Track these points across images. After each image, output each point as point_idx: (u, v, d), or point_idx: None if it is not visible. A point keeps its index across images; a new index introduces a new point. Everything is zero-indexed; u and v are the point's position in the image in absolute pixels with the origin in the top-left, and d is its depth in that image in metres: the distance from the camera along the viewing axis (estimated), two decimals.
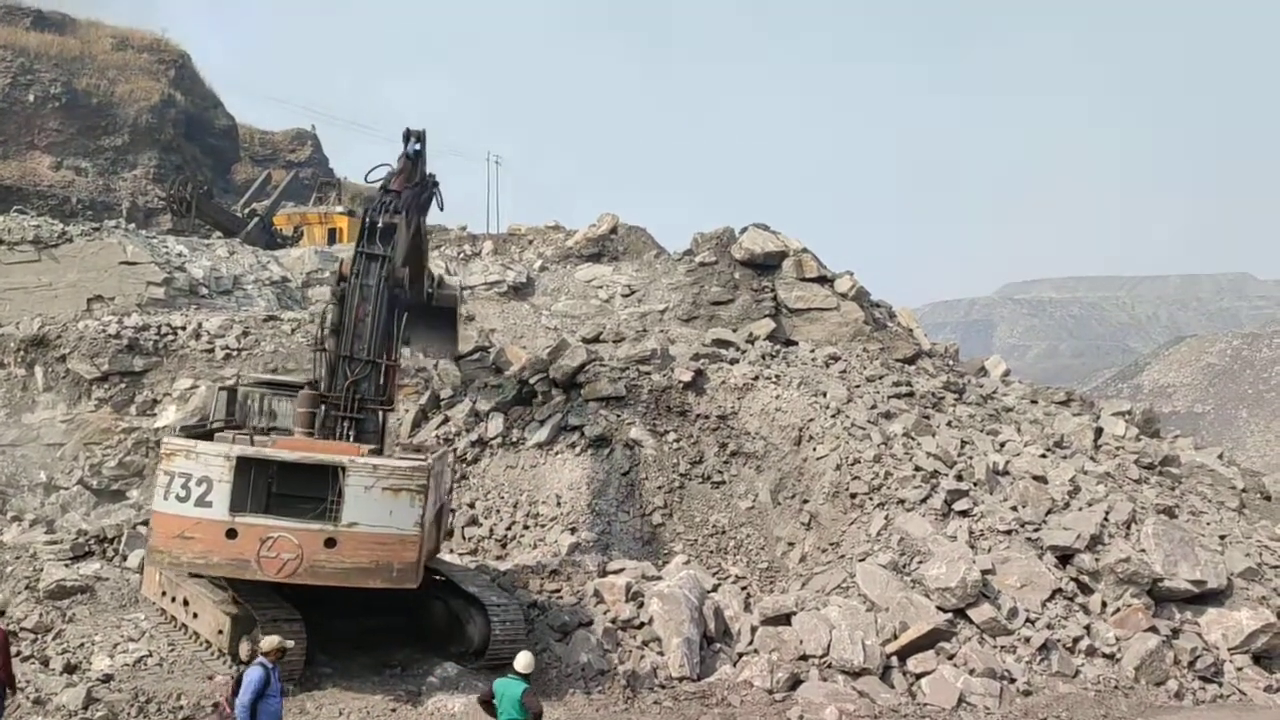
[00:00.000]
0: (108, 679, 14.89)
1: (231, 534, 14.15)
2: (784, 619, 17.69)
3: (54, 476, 23.92)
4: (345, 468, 14.29)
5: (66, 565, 19.63)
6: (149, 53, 55.02)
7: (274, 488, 14.32)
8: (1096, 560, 18.71)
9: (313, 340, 20.25)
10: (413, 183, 19.04)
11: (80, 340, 25.24)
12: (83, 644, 16.40)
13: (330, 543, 14.13)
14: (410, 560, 14.24)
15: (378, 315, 16.33)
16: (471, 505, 22.29)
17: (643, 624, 17.49)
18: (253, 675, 11.58)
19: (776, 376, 24.48)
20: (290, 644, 13.44)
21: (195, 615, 16.19)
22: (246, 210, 44.71)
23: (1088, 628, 17.86)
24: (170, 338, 26.10)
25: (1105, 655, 17.47)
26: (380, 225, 16.76)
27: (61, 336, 25.30)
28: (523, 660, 12.55)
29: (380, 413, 16.44)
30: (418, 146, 19.37)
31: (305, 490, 14.28)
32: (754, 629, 17.71)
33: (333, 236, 44.48)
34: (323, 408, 15.98)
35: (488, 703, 12.45)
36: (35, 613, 17.71)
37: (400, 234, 17.16)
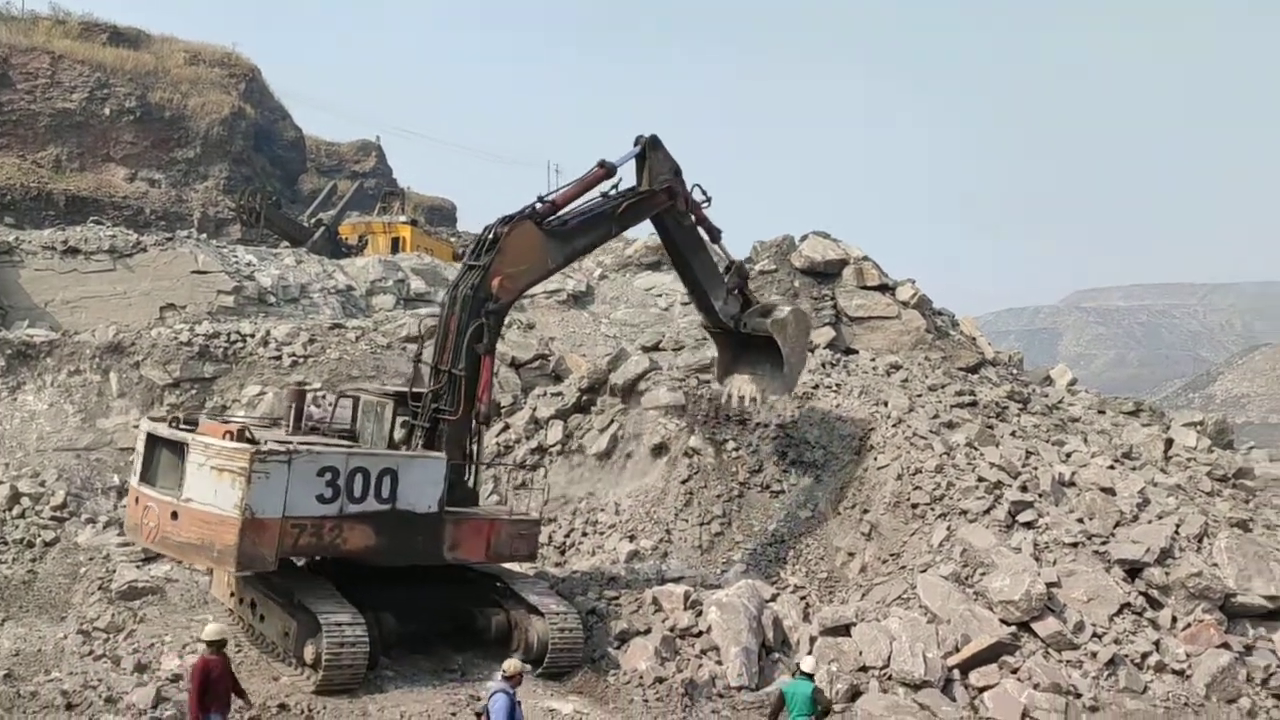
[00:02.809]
0: (176, 679, 15.10)
1: (136, 501, 16.10)
2: (843, 630, 17.61)
3: (127, 480, 24.36)
4: (188, 445, 15.08)
5: (138, 567, 19.95)
6: (220, 67, 56.05)
7: (159, 462, 15.73)
8: (1166, 574, 18.35)
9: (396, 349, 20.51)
10: (632, 190, 19.44)
11: (153, 347, 25.68)
12: (153, 644, 16.68)
13: (174, 515, 15.05)
14: (229, 543, 14.35)
15: (460, 326, 16.93)
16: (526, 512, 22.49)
17: (701, 633, 17.45)
18: (499, 704, 11.93)
19: (837, 385, 24.39)
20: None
21: (262, 618, 16.51)
22: (313, 220, 45.26)
23: (1157, 643, 17.49)
24: (239, 345, 26.51)
25: (1175, 671, 17.11)
26: (489, 237, 17.48)
27: (135, 343, 25.72)
28: (809, 661, 14.03)
29: (460, 423, 16.88)
30: (637, 151, 19.57)
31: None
32: (813, 639, 17.64)
33: (396, 246, 44.85)
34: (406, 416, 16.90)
35: (777, 712, 13.43)
36: (108, 613, 18.00)
37: (564, 246, 18.22)
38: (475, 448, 17.47)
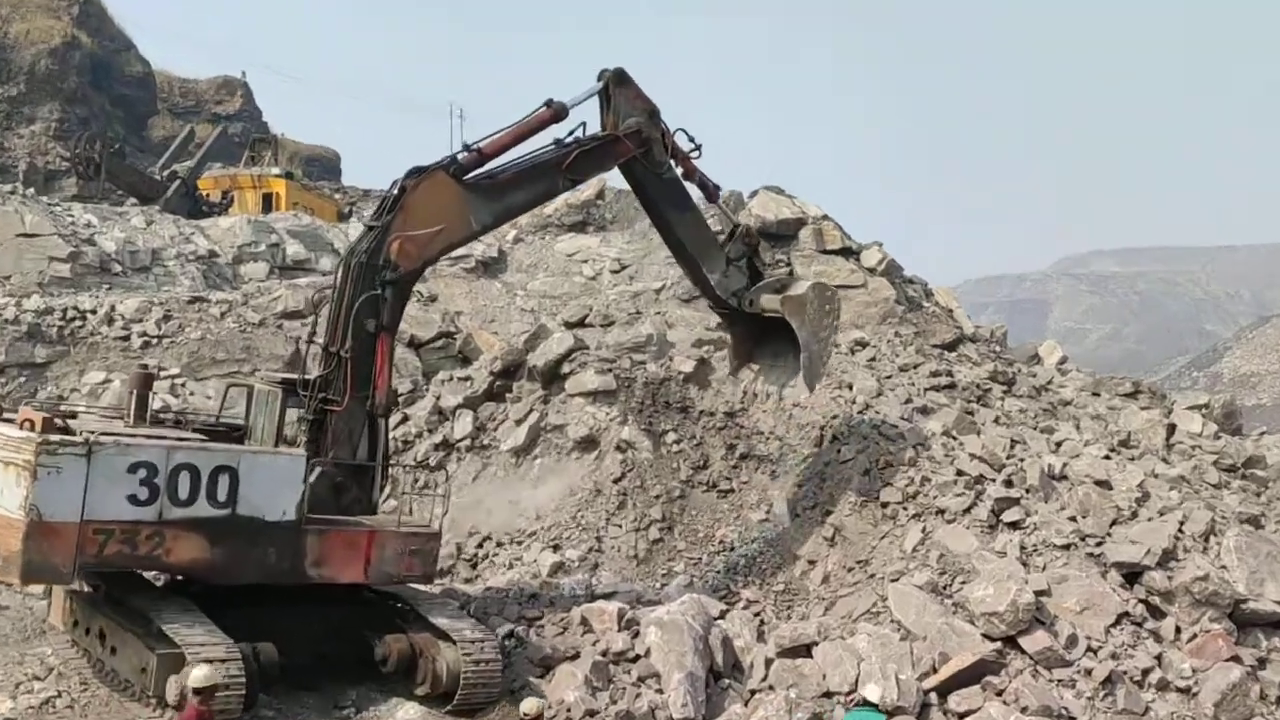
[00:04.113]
0: None
1: None
2: (804, 650, 17.77)
3: None
4: None
5: None
6: None
7: None
8: (1169, 579, 18.63)
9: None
10: (591, 136, 19.11)
11: None
12: None
13: None
14: (12, 550, 14.20)
15: (350, 299, 16.90)
16: (410, 513, 22.36)
17: (638, 657, 17.54)
18: None
19: None
20: (222, 678, 13.72)
21: (113, 650, 16.16)
22: (166, 172, 44.71)
23: (1159, 658, 17.76)
24: (78, 323, 26.29)
25: (1180, 689, 17.35)
26: (394, 194, 17.27)
27: None
28: (873, 690, 14.33)
29: (349, 414, 16.91)
30: (599, 88, 19.27)
31: None
32: (769, 662, 17.80)
33: (268, 203, 44.71)
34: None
35: None
36: None
37: (492, 204, 17.99)
38: (373, 445, 17.42)
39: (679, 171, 20.13)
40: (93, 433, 14.92)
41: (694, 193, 20.72)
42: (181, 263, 32.23)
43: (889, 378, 25.05)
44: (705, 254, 20.66)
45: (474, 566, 21.93)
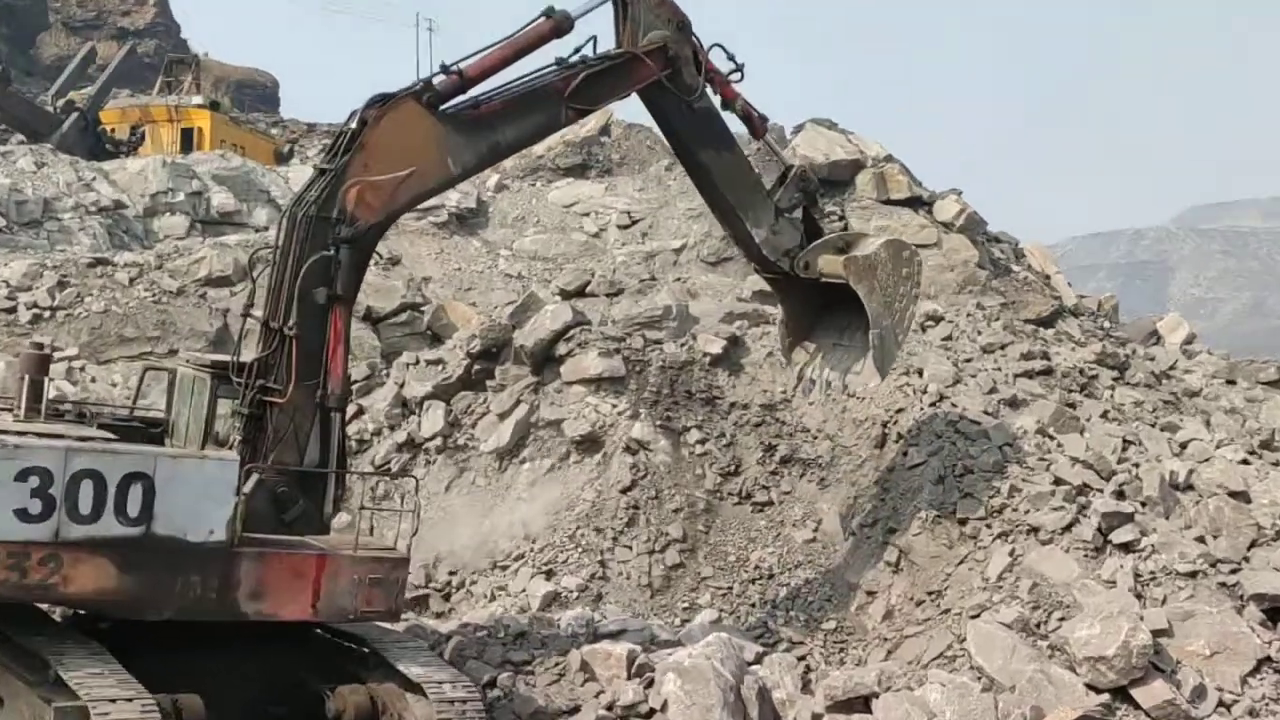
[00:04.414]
0: None
1: None
2: (861, 704, 17.62)
3: None
4: None
5: None
6: None
7: None
8: None
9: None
10: (602, 55, 18.98)
11: None
12: None
13: None
14: None
15: (296, 263, 16.85)
16: (370, 533, 22.17)
17: (653, 711, 17.36)
18: None
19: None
20: None
21: (0, 701, 15.97)
22: (61, 102, 44.65)
23: None
24: None
25: None
26: (351, 128, 17.27)
27: None
28: None
29: (295, 407, 16.89)
30: None
31: None
32: (817, 718, 17.67)
33: (189, 140, 44.66)
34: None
35: None
36: None
37: (476, 141, 17.92)
38: (324, 446, 17.38)
39: (715, 100, 19.93)
40: None
41: (734, 126, 20.44)
42: (80, 215, 32.00)
43: (969, 361, 24.89)
44: (749, 204, 20.39)
45: (447, 598, 21.96)
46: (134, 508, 15.16)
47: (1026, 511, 20.73)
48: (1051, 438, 22.35)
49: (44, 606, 16.41)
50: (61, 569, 14.85)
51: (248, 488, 16.22)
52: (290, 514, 16.90)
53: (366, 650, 17.32)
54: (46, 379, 17.58)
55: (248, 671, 16.75)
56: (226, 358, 17.99)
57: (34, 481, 14.59)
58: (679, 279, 29.07)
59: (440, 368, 25.14)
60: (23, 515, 14.56)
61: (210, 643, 16.35)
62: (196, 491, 15.57)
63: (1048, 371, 25.11)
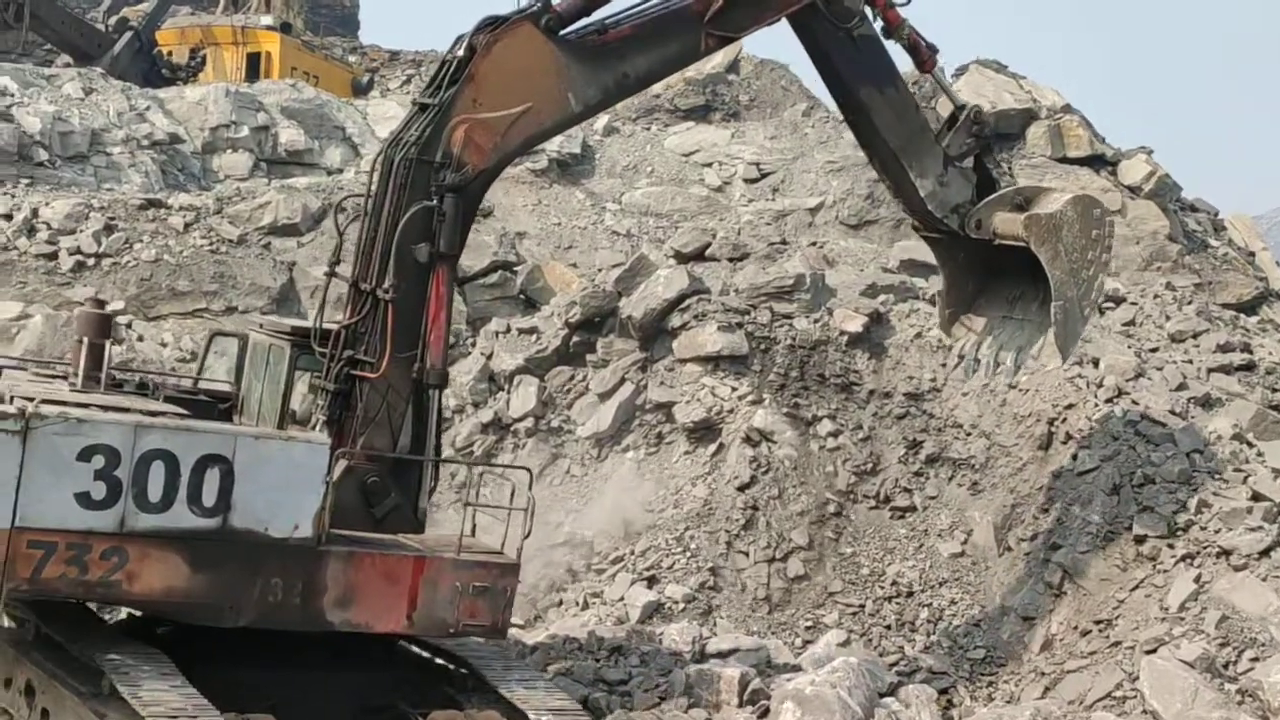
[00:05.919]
0: None
1: None
2: None
3: None
4: None
5: None
6: None
7: None
8: None
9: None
10: None
11: None
12: None
13: None
14: None
15: (392, 215, 16.71)
16: (473, 533, 21.90)
17: None
18: None
19: None
20: None
21: (44, 713, 15.91)
22: (113, 20, 44.83)
23: None
24: None
25: None
26: (458, 55, 16.97)
27: None
28: None
29: (389, 384, 16.63)
30: None
31: None
32: None
33: (255, 67, 44.66)
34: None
35: None
36: None
37: (601, 72, 17.71)
38: (420, 430, 17.15)
39: (878, 26, 19.53)
40: (29, 399, 14.48)
41: (897, 59, 20.13)
42: (131, 150, 31.94)
43: (1154, 351, 24.62)
44: (914, 150, 19.96)
45: (534, 604, 21.98)
46: (210, 496, 14.95)
47: (1217, 531, 20.44)
48: (1250, 445, 22.22)
49: (93, 606, 16.45)
50: (127, 564, 14.72)
51: (335, 476, 15.97)
52: (381, 508, 16.71)
53: (464, 670, 17.41)
54: (108, 342, 17.24)
55: (328, 689, 16.76)
56: (306, 323, 18.00)
57: (98, 462, 14.41)
58: (814, 243, 28.47)
59: (534, 338, 25.08)
60: (84, 500, 14.39)
61: (286, 655, 16.32)
62: (281, 479, 15.36)
63: (1248, 367, 24.87)
